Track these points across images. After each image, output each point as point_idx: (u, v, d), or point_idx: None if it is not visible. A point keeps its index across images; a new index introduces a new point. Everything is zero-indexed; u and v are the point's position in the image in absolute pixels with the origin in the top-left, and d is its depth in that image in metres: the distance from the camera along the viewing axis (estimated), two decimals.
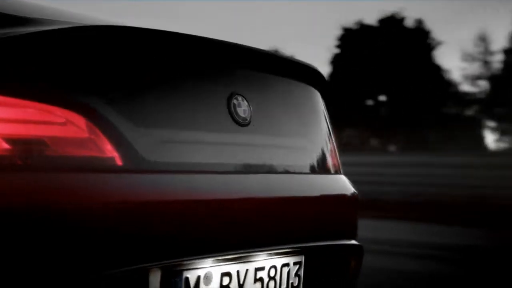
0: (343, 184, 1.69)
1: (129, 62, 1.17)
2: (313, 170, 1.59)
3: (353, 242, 1.62)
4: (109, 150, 1.04)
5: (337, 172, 1.71)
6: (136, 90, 1.15)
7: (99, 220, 0.99)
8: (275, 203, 1.37)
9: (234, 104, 1.31)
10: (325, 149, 1.65)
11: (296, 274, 1.42)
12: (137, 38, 1.19)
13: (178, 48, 1.26)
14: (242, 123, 1.32)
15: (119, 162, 1.05)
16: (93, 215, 0.98)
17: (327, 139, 1.68)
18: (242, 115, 1.32)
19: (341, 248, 1.59)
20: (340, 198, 1.64)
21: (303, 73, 1.60)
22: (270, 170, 1.42)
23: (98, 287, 0.98)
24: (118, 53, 1.15)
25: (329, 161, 1.66)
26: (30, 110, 0.97)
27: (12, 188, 0.89)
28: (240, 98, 1.32)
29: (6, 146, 0.92)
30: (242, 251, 1.25)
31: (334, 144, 1.73)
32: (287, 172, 1.49)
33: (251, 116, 1.35)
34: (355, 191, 1.71)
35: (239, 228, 1.25)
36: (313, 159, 1.61)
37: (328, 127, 1.71)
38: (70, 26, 1.12)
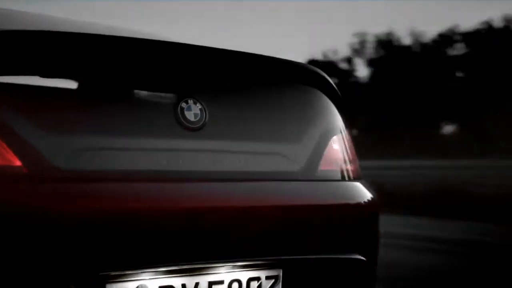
0: (339, 191, 1.47)
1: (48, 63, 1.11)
2: (291, 176, 1.39)
3: (355, 256, 1.40)
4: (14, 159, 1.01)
5: (345, 178, 1.50)
6: (57, 95, 1.11)
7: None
8: (228, 212, 1.22)
9: (182, 108, 1.20)
10: (320, 153, 1.44)
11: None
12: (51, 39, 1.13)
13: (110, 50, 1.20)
14: (191, 127, 1.21)
15: (25, 169, 1.01)
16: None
17: (328, 142, 1.47)
18: (191, 119, 1.21)
19: (334, 262, 1.38)
20: (331, 207, 1.41)
21: (290, 73, 1.45)
22: (224, 175, 1.27)
23: None
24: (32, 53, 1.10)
25: (324, 166, 1.44)
26: None
27: None
28: (191, 101, 1.21)
29: None
30: (188, 262, 1.13)
31: (345, 147, 1.52)
32: (247, 177, 1.31)
33: (205, 120, 1.23)
34: (368, 199, 1.48)
35: (191, 233, 1.14)
36: (297, 164, 1.40)
37: (335, 130, 1.51)
38: None
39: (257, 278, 1.24)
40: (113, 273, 1.05)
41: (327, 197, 1.42)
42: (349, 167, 1.51)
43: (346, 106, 1.57)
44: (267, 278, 1.25)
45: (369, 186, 1.53)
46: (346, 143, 1.53)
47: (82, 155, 1.07)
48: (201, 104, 1.22)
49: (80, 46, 1.13)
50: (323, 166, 1.43)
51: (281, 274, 1.27)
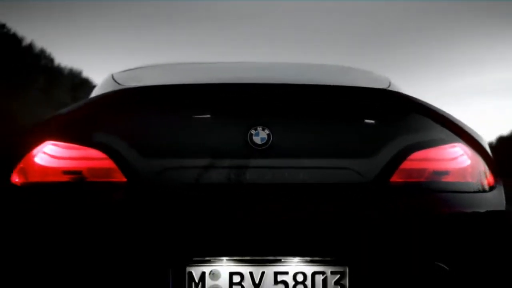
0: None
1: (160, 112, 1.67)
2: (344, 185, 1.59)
3: (438, 264, 1.48)
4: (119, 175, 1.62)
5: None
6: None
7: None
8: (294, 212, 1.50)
9: (251, 134, 1.56)
10: (396, 141, 1.62)
11: (338, 283, 1.46)
12: (166, 94, 1.70)
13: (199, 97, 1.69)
14: (258, 150, 1.58)
15: (129, 183, 1.60)
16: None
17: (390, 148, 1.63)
18: (258, 142, 1.57)
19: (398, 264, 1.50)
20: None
21: (348, 97, 1.68)
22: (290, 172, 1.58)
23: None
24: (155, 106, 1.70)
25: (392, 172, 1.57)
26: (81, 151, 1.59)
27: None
28: (259, 128, 1.56)
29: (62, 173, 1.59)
30: (257, 256, 1.45)
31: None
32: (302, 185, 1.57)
33: (271, 142, 1.57)
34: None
35: (256, 232, 1.45)
36: (360, 171, 1.60)
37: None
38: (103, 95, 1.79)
39: (322, 272, 1.44)
40: (196, 259, 1.45)
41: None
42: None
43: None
44: (332, 273, 1.44)
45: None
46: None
47: (173, 170, 1.57)
48: (269, 130, 1.57)
49: (182, 97, 1.65)
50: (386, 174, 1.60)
51: (347, 270, 1.45)
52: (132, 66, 2.58)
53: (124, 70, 2.41)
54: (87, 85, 55.33)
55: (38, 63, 43.76)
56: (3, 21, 39.74)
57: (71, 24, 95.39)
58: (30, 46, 43.60)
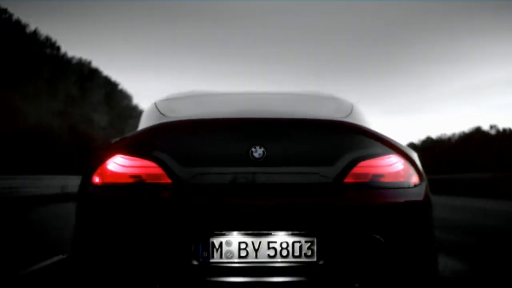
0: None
1: (202, 136, 2.41)
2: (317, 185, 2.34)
3: (375, 236, 2.23)
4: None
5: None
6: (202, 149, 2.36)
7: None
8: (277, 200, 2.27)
9: (252, 151, 2.32)
10: (349, 153, 2.37)
11: (309, 248, 2.22)
12: (207, 125, 2.46)
13: (224, 127, 2.45)
14: (256, 162, 2.31)
15: (172, 184, 2.28)
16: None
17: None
18: (256, 156, 2.31)
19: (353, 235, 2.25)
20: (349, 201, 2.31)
21: (323, 125, 2.51)
22: (276, 176, 2.30)
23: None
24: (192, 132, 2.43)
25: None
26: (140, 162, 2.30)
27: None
28: (257, 147, 2.32)
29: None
30: (255, 230, 2.23)
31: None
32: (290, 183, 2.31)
33: (265, 156, 2.32)
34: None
35: (255, 214, 2.22)
36: (328, 172, 2.33)
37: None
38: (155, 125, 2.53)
39: (299, 241, 2.23)
40: (216, 231, 2.18)
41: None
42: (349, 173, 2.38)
43: None
44: (306, 242, 2.23)
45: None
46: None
47: (201, 175, 2.26)
48: (266, 146, 2.32)
49: (207, 127, 2.44)
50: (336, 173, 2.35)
51: (315, 240, 2.23)
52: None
53: (162, 99, 3.20)
54: (97, 74, 52.91)
55: (43, 52, 41.18)
56: (4, 6, 36.73)
57: (79, 13, 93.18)
58: (35, 34, 40.71)
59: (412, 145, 73.48)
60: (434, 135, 66.79)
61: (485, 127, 53.47)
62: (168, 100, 3.18)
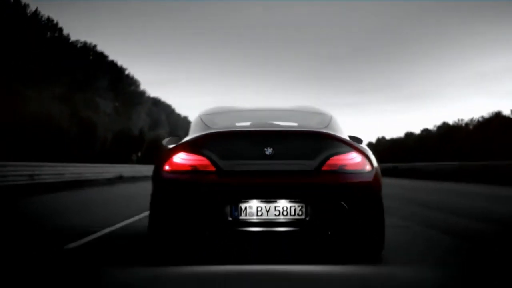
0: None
1: (235, 140, 3.91)
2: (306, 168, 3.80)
3: (340, 202, 3.68)
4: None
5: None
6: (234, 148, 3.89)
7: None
8: (282, 179, 3.69)
9: (265, 151, 3.75)
10: (324, 152, 3.80)
11: (300, 210, 3.66)
12: (237, 134, 4.01)
13: (249, 136, 4.00)
14: (268, 157, 3.74)
15: (216, 170, 3.73)
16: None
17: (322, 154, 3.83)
18: (267, 154, 3.73)
19: (330, 202, 3.72)
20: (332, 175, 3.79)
21: (307, 135, 3.94)
22: (279, 166, 3.71)
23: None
24: (229, 138, 3.98)
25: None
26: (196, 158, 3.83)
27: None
28: (269, 148, 3.76)
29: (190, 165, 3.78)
30: (264, 200, 3.64)
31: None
32: (291, 169, 3.74)
33: (273, 154, 3.74)
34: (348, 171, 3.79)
35: (265, 188, 3.64)
36: (310, 164, 3.76)
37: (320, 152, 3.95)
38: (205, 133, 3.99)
39: (293, 206, 3.65)
40: (242, 199, 3.61)
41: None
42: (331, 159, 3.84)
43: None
44: (298, 206, 3.65)
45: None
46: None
47: (235, 165, 3.70)
48: (273, 147, 3.75)
49: (237, 136, 3.95)
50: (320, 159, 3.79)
51: (304, 205, 3.65)
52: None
53: (203, 113, 4.64)
54: (103, 59, 51.21)
55: (44, 35, 39.51)
56: None
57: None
58: (35, 15, 38.95)
59: (426, 131, 71.98)
60: (451, 120, 64.86)
61: (506, 111, 51.21)
62: (208, 114, 4.61)
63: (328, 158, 3.77)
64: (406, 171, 34.28)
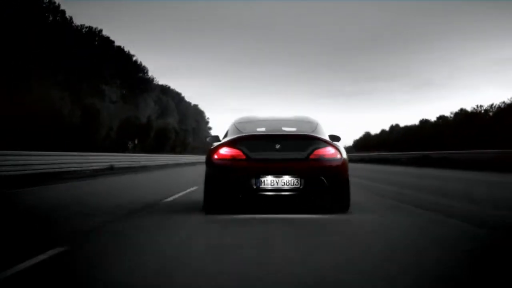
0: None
1: (258, 140, 6.58)
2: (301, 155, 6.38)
3: (321, 177, 6.14)
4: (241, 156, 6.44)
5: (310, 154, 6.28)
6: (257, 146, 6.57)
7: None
8: (292, 159, 6.14)
9: (276, 145, 6.32)
10: (311, 147, 6.26)
11: (297, 182, 6.14)
12: (259, 137, 6.79)
13: (266, 138, 6.80)
14: (276, 150, 6.29)
15: (246, 158, 6.29)
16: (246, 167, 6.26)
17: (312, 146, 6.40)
18: (277, 148, 6.27)
19: (316, 177, 6.21)
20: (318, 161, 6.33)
21: (300, 137, 6.46)
22: (284, 155, 6.21)
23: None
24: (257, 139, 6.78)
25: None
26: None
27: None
28: (278, 144, 6.32)
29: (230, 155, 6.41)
30: (276, 174, 6.11)
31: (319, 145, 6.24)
32: (301, 150, 6.27)
33: (280, 148, 6.28)
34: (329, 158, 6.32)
35: (275, 168, 6.13)
36: (315, 145, 6.33)
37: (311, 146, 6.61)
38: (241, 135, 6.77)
39: (292, 179, 6.16)
40: (261, 175, 6.16)
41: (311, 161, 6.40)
42: (318, 149, 6.33)
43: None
44: (295, 179, 6.17)
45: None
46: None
47: (257, 154, 6.28)
48: (280, 144, 6.33)
49: (258, 138, 6.65)
50: (312, 149, 6.27)
51: (299, 178, 6.16)
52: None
53: (237, 121, 7.26)
54: (109, 44, 49.71)
55: (46, 17, 38.05)
56: None
57: None
58: None
59: (443, 117, 69.82)
60: (469, 107, 62.57)
61: None
62: (239, 123, 7.19)
63: (313, 150, 6.32)
64: (440, 160, 30.12)
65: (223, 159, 6.24)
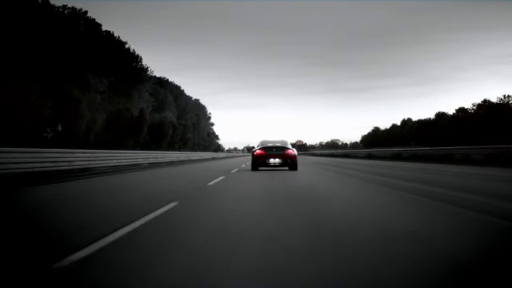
0: (293, 152, 19.82)
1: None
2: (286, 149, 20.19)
3: (288, 159, 19.59)
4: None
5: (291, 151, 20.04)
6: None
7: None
8: (279, 153, 19.54)
9: (273, 150, 19.99)
10: (285, 149, 19.63)
11: (280, 161, 19.54)
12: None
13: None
14: (274, 151, 19.79)
15: (264, 154, 19.92)
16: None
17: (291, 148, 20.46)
18: (274, 150, 19.73)
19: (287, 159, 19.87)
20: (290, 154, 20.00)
21: (282, 146, 20.09)
22: (276, 152, 19.61)
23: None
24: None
25: (290, 149, 19.86)
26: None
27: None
28: (274, 149, 20.02)
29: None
30: (272, 156, 19.64)
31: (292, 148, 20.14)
32: (281, 151, 19.73)
33: (276, 150, 19.80)
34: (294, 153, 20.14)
35: (273, 156, 19.65)
36: (286, 149, 19.79)
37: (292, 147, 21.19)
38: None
39: (279, 160, 19.69)
40: (270, 158, 19.77)
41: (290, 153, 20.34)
42: (292, 150, 20.22)
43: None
44: (281, 160, 19.75)
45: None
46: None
47: (268, 152, 19.95)
48: (275, 149, 20.06)
49: (265, 149, 21.16)
50: (289, 149, 20.14)
51: (281, 159, 19.63)
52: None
53: (262, 140, 21.38)
54: (96, 28, 44.56)
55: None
56: None
57: None
58: None
59: (462, 109, 64.95)
60: (494, 98, 57.90)
61: None
62: (262, 141, 21.09)
63: (285, 150, 19.39)
64: (500, 156, 23.70)
65: (257, 154, 19.42)
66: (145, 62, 59.32)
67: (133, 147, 44.14)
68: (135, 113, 45.17)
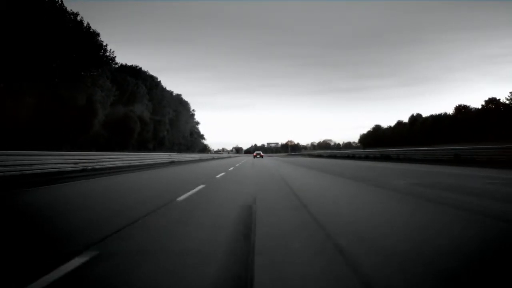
0: (262, 154, 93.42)
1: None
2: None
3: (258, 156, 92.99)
4: None
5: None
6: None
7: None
8: (259, 154, 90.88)
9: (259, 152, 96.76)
10: (261, 153, 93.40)
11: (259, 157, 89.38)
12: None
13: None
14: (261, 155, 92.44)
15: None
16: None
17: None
18: (260, 154, 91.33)
19: None
20: None
21: (260, 153, 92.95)
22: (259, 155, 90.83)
23: None
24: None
25: (261, 153, 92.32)
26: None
27: None
28: (260, 151, 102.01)
29: None
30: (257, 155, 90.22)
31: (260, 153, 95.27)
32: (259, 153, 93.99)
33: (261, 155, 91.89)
34: None
35: (257, 155, 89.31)
36: (260, 153, 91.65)
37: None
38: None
39: (259, 156, 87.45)
40: (256, 157, 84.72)
41: None
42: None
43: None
44: (259, 156, 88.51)
45: None
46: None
47: (256, 154, 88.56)
48: (258, 154, 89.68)
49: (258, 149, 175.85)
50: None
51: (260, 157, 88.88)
52: None
53: (254, 150, 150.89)
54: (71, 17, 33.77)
55: None
56: None
57: None
58: None
59: (464, 108, 55.86)
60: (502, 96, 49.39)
61: None
62: (253, 150, 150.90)
63: (258, 154, 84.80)
64: None
65: (254, 154, 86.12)
66: (140, 57, 47.98)
67: (81, 148, 33.49)
68: (81, 101, 34.47)
